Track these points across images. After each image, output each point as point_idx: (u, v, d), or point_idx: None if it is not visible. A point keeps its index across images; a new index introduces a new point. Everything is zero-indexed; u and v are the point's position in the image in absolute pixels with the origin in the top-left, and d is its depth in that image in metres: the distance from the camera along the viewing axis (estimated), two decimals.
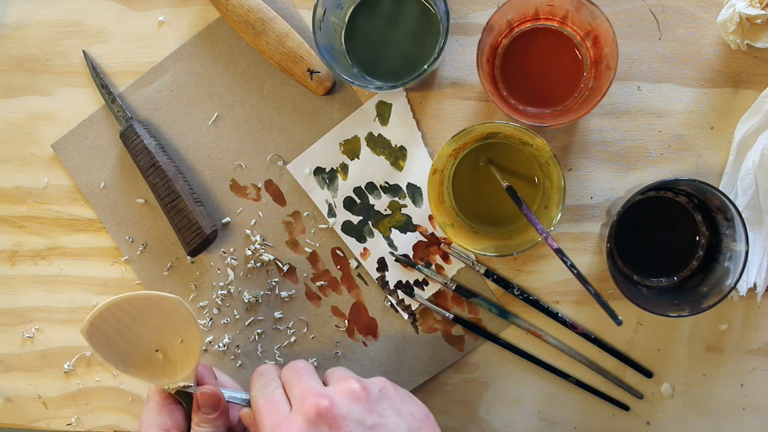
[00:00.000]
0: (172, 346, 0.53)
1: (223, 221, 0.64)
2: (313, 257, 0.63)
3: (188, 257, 0.63)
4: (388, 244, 0.62)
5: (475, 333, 0.62)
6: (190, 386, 0.52)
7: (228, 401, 0.52)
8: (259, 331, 0.64)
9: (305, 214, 0.63)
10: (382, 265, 0.63)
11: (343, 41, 0.60)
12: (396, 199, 0.62)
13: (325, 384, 0.50)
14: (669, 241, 0.59)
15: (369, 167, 0.62)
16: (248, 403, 0.53)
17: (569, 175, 0.61)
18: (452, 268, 0.62)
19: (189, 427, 0.52)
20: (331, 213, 0.63)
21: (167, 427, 0.51)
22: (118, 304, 0.51)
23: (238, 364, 0.64)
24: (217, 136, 0.63)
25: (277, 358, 0.63)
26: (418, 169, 0.62)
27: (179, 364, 0.53)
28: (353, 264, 0.63)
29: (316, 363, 0.63)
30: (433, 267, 0.62)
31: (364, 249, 0.63)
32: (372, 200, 0.62)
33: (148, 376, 0.53)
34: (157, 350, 0.53)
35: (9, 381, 0.66)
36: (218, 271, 0.64)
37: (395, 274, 0.62)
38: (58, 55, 0.64)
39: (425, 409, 0.50)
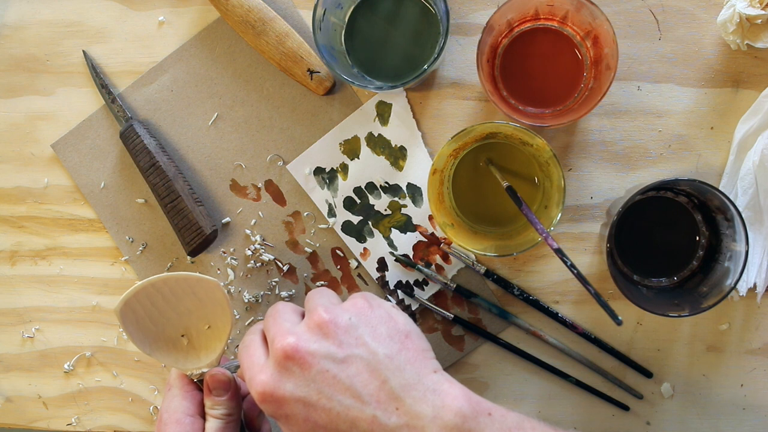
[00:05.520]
0: (198, 331, 0.53)
1: (223, 221, 0.64)
2: (313, 257, 0.63)
3: (188, 257, 0.63)
4: (388, 244, 0.62)
5: (475, 333, 0.62)
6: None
7: (235, 370, 0.53)
8: None
9: (305, 214, 0.63)
10: (382, 265, 0.63)
11: (343, 41, 0.60)
12: (396, 199, 0.62)
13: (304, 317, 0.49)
14: (669, 241, 0.59)
15: (369, 167, 0.62)
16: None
17: (569, 175, 0.61)
18: (452, 268, 0.62)
19: None
20: (331, 213, 0.63)
21: (192, 413, 0.51)
22: (155, 284, 0.52)
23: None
24: (217, 136, 0.63)
25: None
26: (418, 169, 0.62)
27: (203, 351, 0.53)
28: (353, 264, 0.63)
29: None
30: (433, 267, 0.62)
31: (364, 249, 0.63)
32: (372, 200, 0.62)
33: (173, 360, 0.53)
34: (182, 335, 0.53)
35: (9, 381, 0.66)
36: (218, 271, 0.64)
37: (395, 274, 0.62)
38: (58, 55, 0.64)
39: (407, 327, 0.47)
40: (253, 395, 0.46)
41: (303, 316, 0.50)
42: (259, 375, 0.46)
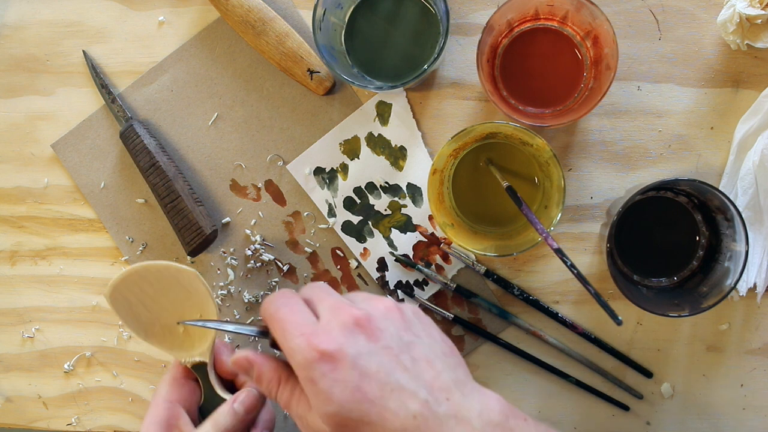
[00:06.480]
0: (191, 320, 0.54)
1: (223, 221, 0.64)
2: (313, 257, 0.63)
3: (188, 257, 0.63)
4: (388, 244, 0.62)
5: (475, 333, 0.62)
6: (205, 362, 0.54)
7: (235, 330, 0.50)
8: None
9: (305, 214, 0.63)
10: (382, 265, 0.63)
11: (343, 41, 0.60)
12: (396, 199, 0.62)
13: None
14: (669, 241, 0.59)
15: (369, 167, 0.62)
16: (260, 335, 0.49)
17: (569, 175, 0.61)
18: (452, 268, 0.62)
19: (199, 401, 0.54)
20: (331, 213, 0.63)
21: (171, 399, 0.53)
22: (139, 271, 0.54)
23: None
24: (217, 136, 0.63)
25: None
26: (418, 169, 0.62)
27: (197, 339, 0.55)
28: (353, 264, 0.63)
29: None
30: (433, 267, 0.62)
31: (364, 249, 0.63)
32: (372, 200, 0.62)
33: (167, 347, 0.55)
34: (178, 323, 0.55)
35: (9, 381, 0.66)
36: (218, 271, 0.64)
37: (395, 274, 0.62)
38: (58, 55, 0.64)
39: (450, 341, 0.49)
40: (306, 352, 0.43)
41: None
42: (323, 333, 0.44)
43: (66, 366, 0.65)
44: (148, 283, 0.54)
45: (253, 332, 0.49)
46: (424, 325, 0.47)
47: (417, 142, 0.62)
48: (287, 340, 0.44)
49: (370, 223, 0.63)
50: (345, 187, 0.62)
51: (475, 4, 0.61)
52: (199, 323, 0.52)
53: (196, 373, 0.55)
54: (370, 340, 0.44)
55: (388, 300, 0.47)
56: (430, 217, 0.62)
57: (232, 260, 0.64)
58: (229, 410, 0.52)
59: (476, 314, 0.62)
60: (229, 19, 0.61)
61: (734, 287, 0.53)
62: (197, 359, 0.54)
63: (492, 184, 0.58)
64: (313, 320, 0.45)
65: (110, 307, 0.53)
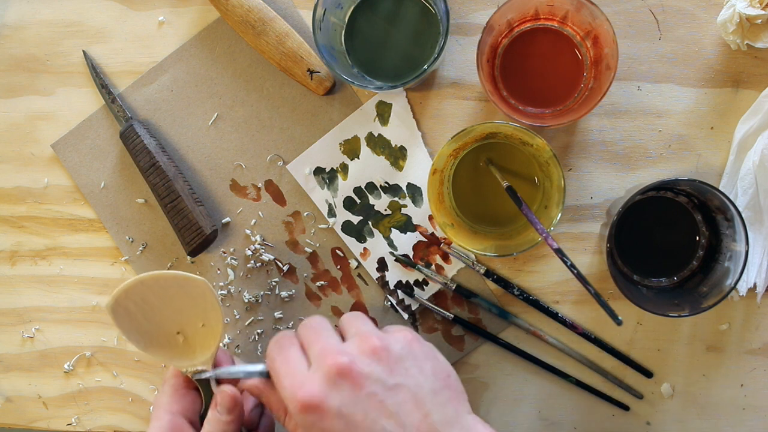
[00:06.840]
0: (193, 329, 0.54)
1: (223, 221, 0.64)
2: (313, 257, 0.63)
3: (188, 257, 0.63)
4: (388, 244, 0.62)
5: (475, 333, 0.62)
6: (207, 371, 0.53)
7: (245, 377, 0.52)
8: (259, 331, 0.64)
9: (305, 214, 0.63)
10: (382, 265, 0.63)
11: (343, 41, 0.60)
12: (396, 199, 0.62)
13: (342, 337, 0.49)
14: (669, 241, 0.59)
15: (369, 167, 0.62)
16: (266, 375, 0.51)
17: (569, 175, 0.61)
18: (452, 268, 0.62)
19: (200, 410, 0.53)
20: (331, 213, 0.63)
21: (173, 410, 0.52)
22: (145, 282, 0.52)
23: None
24: (217, 136, 0.63)
25: None
26: (418, 169, 0.62)
27: (199, 348, 0.54)
28: (353, 264, 0.63)
29: None
30: (433, 267, 0.62)
31: (364, 249, 0.63)
32: (372, 200, 0.62)
33: (168, 357, 0.53)
34: (178, 332, 0.54)
35: (9, 381, 0.66)
36: (218, 271, 0.64)
37: (395, 274, 0.62)
38: (58, 55, 0.64)
39: (448, 367, 0.49)
40: (293, 404, 0.46)
41: (340, 335, 0.50)
42: (307, 384, 0.45)
43: (66, 366, 0.65)
44: (152, 292, 0.53)
45: (263, 375, 0.51)
46: (416, 360, 0.47)
47: (417, 142, 0.62)
48: (281, 390, 0.47)
49: (370, 223, 0.63)
50: (345, 187, 0.62)
51: (475, 4, 0.61)
52: (211, 374, 0.52)
53: (197, 382, 0.53)
54: (354, 388, 0.45)
55: (377, 339, 0.47)
56: (430, 217, 0.62)
57: (232, 260, 0.64)
58: (213, 415, 0.51)
59: (476, 314, 0.62)
60: (229, 19, 0.61)
61: (734, 287, 0.53)
62: (199, 368, 0.53)
63: (492, 184, 0.58)
64: (303, 369, 0.47)
65: (111, 319, 0.52)
